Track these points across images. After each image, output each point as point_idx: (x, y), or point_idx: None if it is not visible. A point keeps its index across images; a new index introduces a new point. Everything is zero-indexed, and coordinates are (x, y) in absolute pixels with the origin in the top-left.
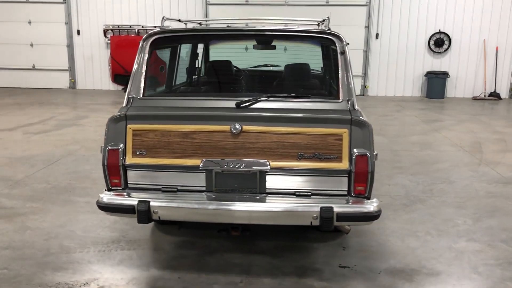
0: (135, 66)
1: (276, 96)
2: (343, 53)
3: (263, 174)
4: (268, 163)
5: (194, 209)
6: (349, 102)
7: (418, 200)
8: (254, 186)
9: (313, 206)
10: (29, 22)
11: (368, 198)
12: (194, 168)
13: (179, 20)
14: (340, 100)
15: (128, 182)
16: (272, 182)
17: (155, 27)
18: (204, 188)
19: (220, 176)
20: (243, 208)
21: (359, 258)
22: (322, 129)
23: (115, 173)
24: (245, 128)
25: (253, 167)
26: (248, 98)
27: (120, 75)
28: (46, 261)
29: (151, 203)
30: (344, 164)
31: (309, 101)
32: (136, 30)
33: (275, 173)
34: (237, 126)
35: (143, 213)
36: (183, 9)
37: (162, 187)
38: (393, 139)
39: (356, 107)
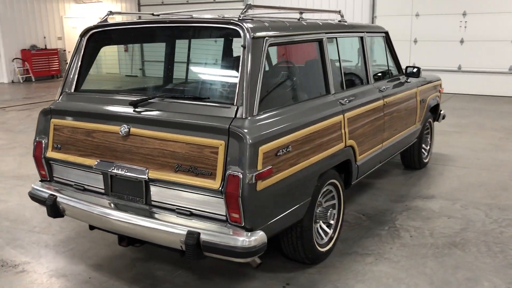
0: (70, 61)
1: (171, 97)
2: (245, 47)
3: (148, 183)
4: (147, 172)
5: (84, 211)
6: (239, 109)
7: (464, 244)
8: (141, 196)
9: (181, 229)
10: None
11: (250, 229)
12: (89, 168)
13: (152, 14)
14: (232, 105)
15: (53, 175)
16: (156, 193)
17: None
18: (103, 191)
19: (115, 181)
20: (118, 218)
21: None
22: (200, 138)
23: (40, 165)
24: (133, 130)
25: (133, 175)
26: (141, 98)
27: None
28: (6, 237)
29: (58, 199)
30: (216, 183)
31: (203, 104)
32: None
33: (157, 184)
34: (125, 128)
35: (50, 207)
36: None
37: (74, 184)
38: None
39: (248, 115)
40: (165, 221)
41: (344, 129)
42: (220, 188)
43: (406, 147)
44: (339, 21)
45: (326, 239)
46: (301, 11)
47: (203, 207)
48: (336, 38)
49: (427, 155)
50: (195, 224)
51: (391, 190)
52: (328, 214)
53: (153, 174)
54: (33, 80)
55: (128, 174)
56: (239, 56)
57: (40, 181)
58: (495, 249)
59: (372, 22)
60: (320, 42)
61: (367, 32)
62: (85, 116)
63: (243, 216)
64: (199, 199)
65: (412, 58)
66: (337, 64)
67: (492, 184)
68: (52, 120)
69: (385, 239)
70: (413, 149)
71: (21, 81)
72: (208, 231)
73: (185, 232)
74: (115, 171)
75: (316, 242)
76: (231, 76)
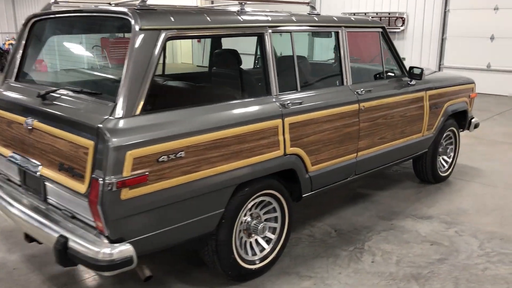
0: (13, 50)
1: (72, 90)
2: (131, 39)
3: (43, 180)
4: (39, 168)
5: None
6: (116, 107)
7: (429, 278)
8: (40, 192)
9: (55, 232)
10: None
11: (117, 240)
12: (6, 159)
13: (109, 4)
14: (111, 103)
15: None
16: (49, 191)
17: (389, 13)
18: (19, 183)
19: (27, 174)
20: (15, 213)
21: None
22: (76, 137)
23: None
24: (35, 124)
25: (30, 170)
26: (47, 90)
27: None
28: None
29: None
30: (83, 187)
31: (92, 99)
32: (370, 18)
33: (48, 182)
34: (29, 121)
35: None
36: None
37: (1, 174)
38: None
39: (125, 115)
40: (48, 221)
41: (284, 135)
42: (86, 193)
43: (409, 158)
44: (308, 13)
45: (259, 255)
46: (242, 1)
47: (81, 212)
48: (291, 32)
49: (448, 169)
50: (72, 229)
51: (387, 204)
52: (260, 228)
53: (44, 171)
54: (110, 67)
55: (28, 168)
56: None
57: None
58: None
59: (445, 17)
60: (260, 36)
61: (347, 27)
62: (8, 107)
63: (105, 226)
64: (78, 203)
65: (488, 57)
66: (291, 61)
67: None
68: None
69: (341, 261)
70: (424, 161)
71: (99, 67)
72: (78, 238)
73: (57, 236)
74: (22, 164)
75: (242, 258)
76: (119, 72)
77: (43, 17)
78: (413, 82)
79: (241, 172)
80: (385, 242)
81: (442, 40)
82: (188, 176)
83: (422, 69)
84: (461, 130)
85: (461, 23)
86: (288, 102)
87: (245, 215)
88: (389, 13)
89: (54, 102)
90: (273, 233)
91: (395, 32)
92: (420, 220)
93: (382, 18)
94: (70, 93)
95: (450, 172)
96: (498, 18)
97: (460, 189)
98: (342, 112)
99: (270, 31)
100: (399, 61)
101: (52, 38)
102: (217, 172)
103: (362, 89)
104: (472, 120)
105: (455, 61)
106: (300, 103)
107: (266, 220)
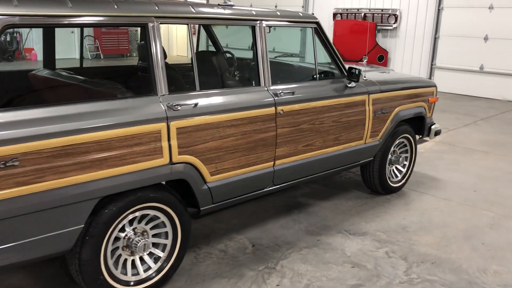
0: None
1: None
2: None
3: None
4: None
5: None
6: None
7: None
8: None
9: None
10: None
11: None
12: None
13: None
14: None
15: None
16: None
17: (382, 10)
18: None
19: None
20: None
21: None
22: None
23: None
24: None
25: None
26: None
27: None
28: None
29: None
30: None
31: None
32: (363, 14)
33: None
34: None
35: None
36: None
37: None
38: None
39: None
40: None
41: (169, 141)
42: None
43: (349, 167)
44: (219, 4)
45: (141, 276)
46: None
47: None
48: (188, 24)
49: (402, 179)
50: None
51: (322, 217)
52: (140, 245)
53: None
54: (102, 57)
55: None
56: None
57: None
58: None
59: (438, 14)
60: (144, 27)
61: (268, 21)
62: None
63: None
64: None
65: (481, 58)
66: (190, 58)
67: (459, 228)
68: None
69: (243, 283)
70: (371, 170)
71: (90, 58)
72: None
73: None
74: None
75: (117, 278)
76: None
77: None
78: (353, 84)
79: (105, 183)
80: (302, 261)
81: (435, 39)
82: (25, 188)
83: (359, 70)
84: (420, 137)
85: (455, 22)
86: (177, 103)
87: (122, 231)
88: (382, 10)
89: None
90: (163, 250)
91: (387, 29)
92: (351, 236)
93: (374, 14)
94: None
95: (404, 183)
96: (493, 18)
97: (409, 202)
98: (252, 116)
99: (157, 22)
100: (337, 60)
101: None
102: (68, 183)
103: (281, 91)
104: (432, 127)
105: (447, 62)
106: (195, 105)
107: (155, 235)
